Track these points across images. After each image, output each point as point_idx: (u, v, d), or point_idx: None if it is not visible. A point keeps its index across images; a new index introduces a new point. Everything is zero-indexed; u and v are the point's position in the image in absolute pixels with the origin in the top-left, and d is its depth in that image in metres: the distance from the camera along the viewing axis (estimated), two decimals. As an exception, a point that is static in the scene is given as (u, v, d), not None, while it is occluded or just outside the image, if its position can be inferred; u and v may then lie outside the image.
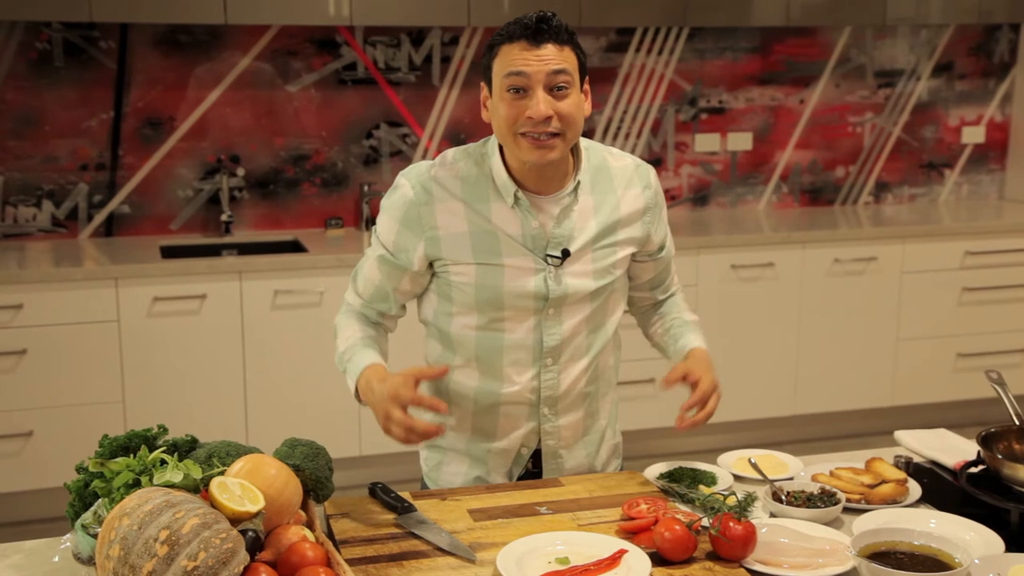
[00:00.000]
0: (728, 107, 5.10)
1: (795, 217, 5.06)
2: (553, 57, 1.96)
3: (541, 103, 1.96)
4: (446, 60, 4.69)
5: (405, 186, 2.09)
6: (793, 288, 4.67)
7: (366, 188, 4.62)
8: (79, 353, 3.93)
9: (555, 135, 1.99)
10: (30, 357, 3.89)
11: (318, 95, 4.58)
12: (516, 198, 2.05)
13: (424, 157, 4.71)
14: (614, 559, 1.72)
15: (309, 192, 4.64)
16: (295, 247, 4.44)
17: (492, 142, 2.10)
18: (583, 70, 2.03)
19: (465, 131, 4.73)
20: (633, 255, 2.18)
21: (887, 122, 5.33)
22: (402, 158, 4.70)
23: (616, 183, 2.14)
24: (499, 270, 2.05)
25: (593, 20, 4.51)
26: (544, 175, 2.06)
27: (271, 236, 4.56)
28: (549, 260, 2.06)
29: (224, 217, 4.49)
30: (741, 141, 5.14)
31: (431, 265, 2.11)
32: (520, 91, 1.97)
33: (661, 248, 2.22)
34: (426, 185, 2.07)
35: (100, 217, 4.44)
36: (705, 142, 5.10)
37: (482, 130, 4.66)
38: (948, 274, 4.87)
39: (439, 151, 4.70)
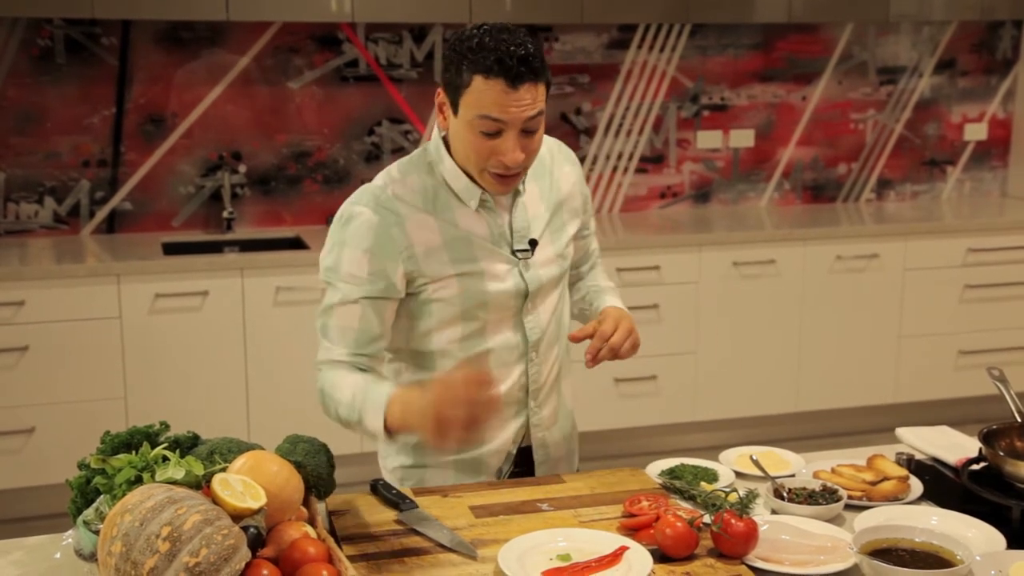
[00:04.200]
0: (730, 104, 5.09)
1: (797, 214, 5.05)
2: (530, 100, 1.89)
3: (517, 150, 1.91)
4: (448, 57, 4.69)
5: (364, 212, 1.99)
6: (795, 285, 4.67)
7: (368, 185, 4.61)
8: (81, 350, 3.93)
9: (519, 173, 1.97)
10: (32, 354, 3.89)
11: (320, 92, 4.58)
12: (482, 200, 2.03)
13: (426, 154, 4.71)
14: (616, 556, 1.72)
15: (311, 189, 4.64)
16: (297, 244, 4.45)
17: (435, 148, 2.04)
18: (548, 93, 1.97)
19: (467, 128, 4.72)
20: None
21: (889, 119, 5.33)
22: (403, 155, 4.68)
23: (548, 165, 2.16)
24: (479, 276, 2.03)
25: (595, 17, 4.51)
26: None
27: (273, 233, 4.56)
28: (519, 255, 2.06)
29: (226, 214, 4.49)
30: (743, 138, 5.14)
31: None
32: (493, 133, 1.91)
33: (588, 223, 2.27)
34: (388, 205, 2.00)
35: (102, 214, 4.44)
36: (707, 139, 5.09)
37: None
38: (950, 271, 4.86)
39: (441, 148, 4.70)
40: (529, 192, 2.10)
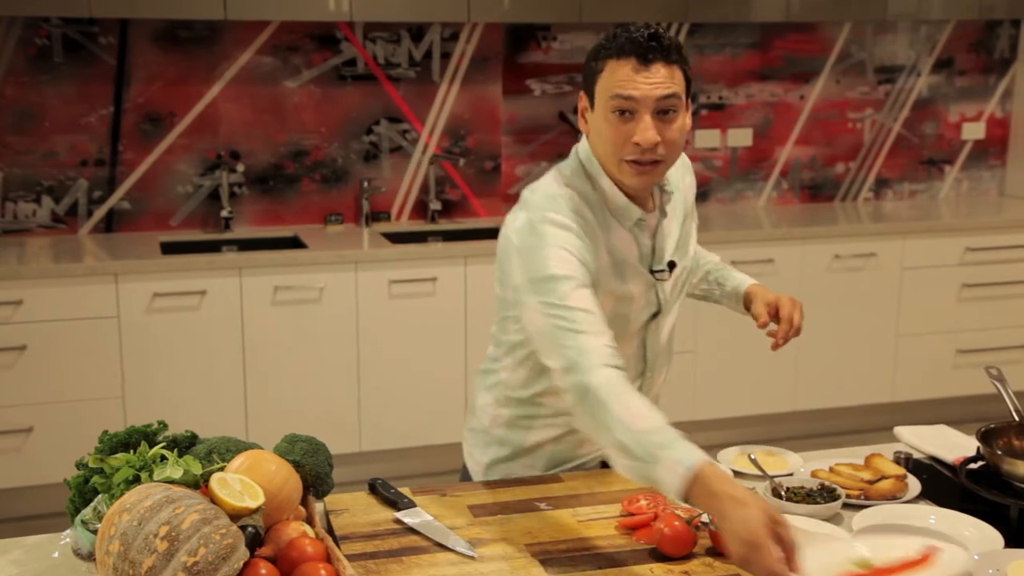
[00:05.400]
0: (728, 103, 5.09)
1: (795, 213, 5.06)
2: (663, 80, 1.87)
3: (649, 129, 1.87)
4: (446, 56, 4.69)
5: (559, 218, 1.90)
6: (793, 284, 4.67)
7: (366, 184, 4.62)
8: (79, 349, 3.93)
9: (658, 162, 1.92)
10: (30, 353, 3.89)
11: (318, 91, 4.58)
12: (638, 220, 1.99)
13: (424, 153, 4.71)
14: (924, 559, 1.60)
15: (309, 188, 4.64)
16: (295, 243, 4.44)
17: (594, 162, 1.98)
18: (689, 88, 1.95)
19: (465, 127, 4.72)
20: None
21: (887, 118, 5.33)
22: (402, 154, 4.69)
23: (675, 178, 2.11)
24: (629, 299, 2.00)
25: (593, 15, 4.51)
26: (647, 194, 2.02)
27: (271, 232, 4.56)
28: (657, 275, 2.03)
29: (224, 213, 4.49)
30: (741, 137, 5.14)
31: None
32: (626, 114, 1.88)
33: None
34: (578, 211, 1.93)
35: (100, 213, 4.43)
36: (705, 138, 5.10)
37: (480, 125, 4.66)
38: (948, 270, 4.86)
39: (439, 147, 4.70)
40: (669, 213, 2.07)
